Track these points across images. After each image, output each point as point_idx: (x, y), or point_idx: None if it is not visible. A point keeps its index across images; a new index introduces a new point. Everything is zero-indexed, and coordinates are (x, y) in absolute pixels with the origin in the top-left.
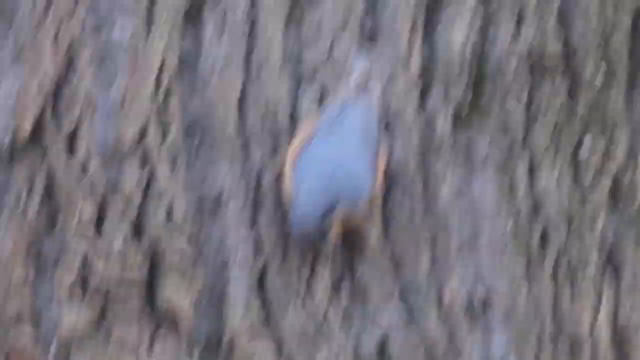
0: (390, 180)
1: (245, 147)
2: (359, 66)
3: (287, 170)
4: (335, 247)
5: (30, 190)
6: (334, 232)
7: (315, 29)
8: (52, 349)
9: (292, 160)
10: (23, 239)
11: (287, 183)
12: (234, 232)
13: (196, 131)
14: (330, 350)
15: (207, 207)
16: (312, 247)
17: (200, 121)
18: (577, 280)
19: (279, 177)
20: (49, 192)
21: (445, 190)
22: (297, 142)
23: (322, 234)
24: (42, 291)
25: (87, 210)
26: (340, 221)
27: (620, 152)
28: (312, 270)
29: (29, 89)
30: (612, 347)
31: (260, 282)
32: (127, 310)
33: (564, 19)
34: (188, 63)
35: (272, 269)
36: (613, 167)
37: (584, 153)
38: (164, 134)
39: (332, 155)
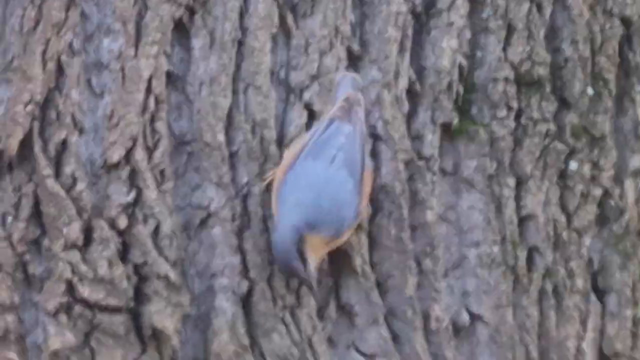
0: (376, 203)
1: (232, 168)
2: (343, 92)
3: (274, 189)
4: (320, 272)
5: (16, 212)
6: (316, 261)
7: (303, 49)
8: None
9: (278, 186)
10: (8, 261)
11: (274, 204)
12: (219, 256)
13: (183, 151)
14: None
15: (193, 231)
16: (292, 273)
17: (187, 140)
18: (562, 306)
19: (265, 201)
20: (36, 213)
21: (431, 214)
22: (282, 167)
23: (298, 261)
24: (27, 315)
25: (73, 232)
26: (326, 246)
27: (606, 175)
28: (297, 296)
29: (16, 108)
30: None
31: (245, 307)
32: (112, 336)
33: (553, 32)
34: (176, 81)
35: (257, 294)
36: (599, 191)
37: (570, 177)
38: (151, 154)
39: (315, 180)
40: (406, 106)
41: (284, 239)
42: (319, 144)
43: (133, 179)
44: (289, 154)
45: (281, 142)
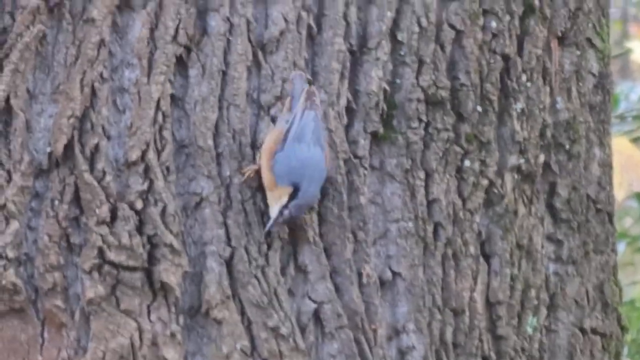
0: (323, 191)
1: (219, 164)
2: (301, 86)
3: (265, 166)
4: (283, 241)
5: (61, 197)
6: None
7: (270, 77)
8: (77, 315)
9: (269, 159)
10: (56, 233)
11: (268, 176)
12: (209, 230)
13: (182, 152)
14: (279, 317)
15: (190, 211)
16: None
17: (185, 144)
18: (459, 266)
19: (245, 183)
20: (75, 198)
21: (364, 198)
22: (267, 150)
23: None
24: (70, 272)
25: (102, 212)
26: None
27: (491, 170)
28: (266, 258)
29: (61, 121)
30: (484, 316)
31: (228, 267)
32: (131, 288)
33: (452, 65)
34: (177, 101)
35: (237, 257)
36: (486, 182)
37: (464, 171)
38: (160, 154)
39: (306, 155)
40: (345, 120)
41: (314, 196)
42: (300, 129)
43: (146, 173)
44: (269, 141)
45: (254, 146)
